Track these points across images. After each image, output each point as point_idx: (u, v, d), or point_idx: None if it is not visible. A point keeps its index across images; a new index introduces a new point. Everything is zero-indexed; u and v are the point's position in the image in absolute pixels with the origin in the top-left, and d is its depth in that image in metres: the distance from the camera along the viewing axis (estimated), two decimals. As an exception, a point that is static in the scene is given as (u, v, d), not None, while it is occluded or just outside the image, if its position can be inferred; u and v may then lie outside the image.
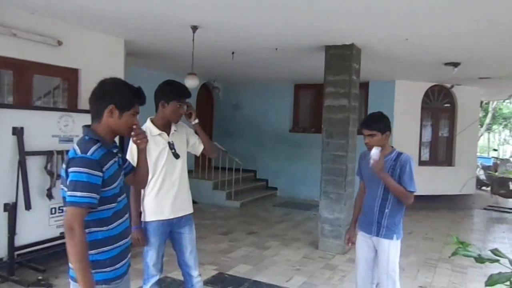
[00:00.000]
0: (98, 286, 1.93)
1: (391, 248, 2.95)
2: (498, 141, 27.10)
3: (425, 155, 9.69)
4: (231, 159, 8.84)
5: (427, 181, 9.21)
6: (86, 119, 4.52)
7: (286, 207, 8.85)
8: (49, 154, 4.32)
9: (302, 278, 4.61)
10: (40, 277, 4.14)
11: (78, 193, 1.81)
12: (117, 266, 2.02)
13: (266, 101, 10.43)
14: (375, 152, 2.85)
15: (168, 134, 3.01)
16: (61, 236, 4.46)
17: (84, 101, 5.09)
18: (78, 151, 1.88)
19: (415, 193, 2.93)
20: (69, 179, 1.85)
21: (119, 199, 2.07)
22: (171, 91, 2.97)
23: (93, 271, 1.90)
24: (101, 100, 1.99)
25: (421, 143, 9.45)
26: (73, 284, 1.97)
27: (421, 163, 9.41)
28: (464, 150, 9.64)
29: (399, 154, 2.96)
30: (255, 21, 4.72)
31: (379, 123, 2.94)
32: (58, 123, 4.46)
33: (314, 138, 9.54)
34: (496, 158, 14.00)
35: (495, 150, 19.24)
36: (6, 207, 3.99)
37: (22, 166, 4.05)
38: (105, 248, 1.98)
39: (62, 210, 4.48)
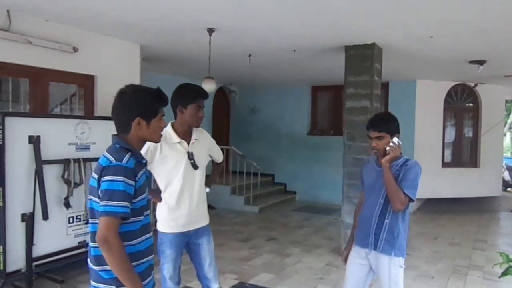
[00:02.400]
0: None
1: (392, 268, 2.61)
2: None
3: (449, 156, 9.39)
4: (249, 163, 8.71)
5: (450, 183, 8.96)
6: (103, 126, 4.51)
7: (306, 211, 8.67)
8: (66, 162, 4.25)
9: (326, 288, 4.44)
10: (58, 288, 4.07)
11: (115, 202, 1.74)
12: (143, 283, 1.91)
13: (283, 104, 10.27)
14: (397, 139, 2.59)
15: (188, 143, 2.88)
16: (79, 246, 4.40)
17: (100, 108, 5.03)
18: (112, 159, 1.82)
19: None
20: (103, 188, 1.77)
21: (146, 212, 1.99)
22: (187, 94, 2.84)
23: None
24: (125, 113, 1.91)
25: (444, 144, 9.16)
26: None
27: (444, 164, 9.12)
28: (489, 150, 9.30)
29: (407, 160, 2.67)
30: (272, 22, 4.58)
31: (388, 124, 2.64)
32: (74, 131, 4.39)
33: (333, 140, 9.37)
34: (522, 158, 13.53)
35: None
36: (24, 217, 3.93)
37: (39, 175, 3.98)
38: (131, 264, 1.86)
39: (79, 219, 4.42)
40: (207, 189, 3.09)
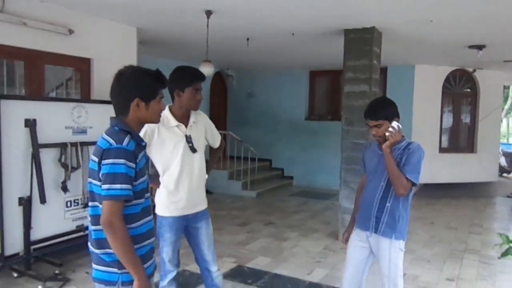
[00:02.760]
0: (124, 287, 1.83)
1: (392, 251, 2.62)
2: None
3: (446, 142, 9.41)
4: (246, 148, 8.70)
5: (447, 168, 9.00)
6: (100, 110, 4.48)
7: (303, 196, 8.70)
8: (62, 146, 4.21)
9: (324, 271, 4.47)
10: (57, 271, 4.07)
11: (118, 185, 1.74)
12: (145, 266, 1.90)
13: (281, 89, 10.22)
14: (396, 123, 2.54)
15: (186, 126, 2.85)
16: (77, 230, 4.40)
17: (97, 91, 4.98)
18: (112, 141, 1.79)
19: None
20: (104, 172, 1.76)
21: (146, 195, 1.99)
22: (184, 77, 2.80)
23: (120, 271, 1.82)
24: (123, 95, 1.89)
25: (441, 130, 9.17)
26: (98, 286, 1.89)
27: (442, 150, 9.15)
28: (486, 136, 9.33)
29: (409, 143, 2.63)
30: (271, 4, 4.51)
31: (385, 110, 2.59)
32: (71, 115, 4.34)
33: (330, 125, 9.37)
34: (518, 144, 13.57)
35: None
36: (21, 201, 3.90)
37: (36, 159, 3.95)
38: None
39: (77, 203, 4.41)
40: (206, 176, 3.07)
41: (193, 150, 2.85)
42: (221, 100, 10.67)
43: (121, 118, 1.90)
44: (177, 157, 2.80)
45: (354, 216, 2.94)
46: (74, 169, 4.29)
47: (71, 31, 4.64)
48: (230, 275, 4.23)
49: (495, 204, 8.73)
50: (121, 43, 5.38)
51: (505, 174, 12.09)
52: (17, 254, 3.94)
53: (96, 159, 1.81)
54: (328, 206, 7.75)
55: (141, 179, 1.90)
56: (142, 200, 1.93)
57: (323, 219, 6.77)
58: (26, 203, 3.92)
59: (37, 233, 4.05)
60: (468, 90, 9.40)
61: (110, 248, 1.79)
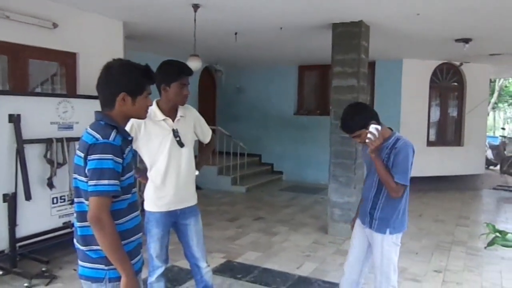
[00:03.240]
0: (111, 283, 1.81)
1: (385, 244, 2.65)
2: (503, 120, 26.80)
3: (434, 135, 9.48)
4: (236, 143, 8.67)
5: (435, 161, 9.07)
6: (86, 105, 4.41)
7: (293, 191, 8.71)
8: (48, 142, 4.15)
9: (313, 265, 4.48)
10: (43, 269, 4.02)
11: (105, 181, 1.70)
12: (132, 262, 1.88)
13: (269, 83, 10.20)
14: (373, 127, 2.47)
15: (174, 120, 2.82)
16: (64, 227, 4.35)
17: (83, 86, 4.91)
18: (98, 136, 1.76)
19: (406, 185, 2.57)
20: (91, 167, 1.72)
21: (133, 190, 1.96)
22: (170, 71, 2.75)
23: (107, 267, 1.79)
24: (110, 88, 1.85)
25: (429, 123, 9.24)
26: (85, 283, 1.85)
27: (429, 143, 9.22)
28: (473, 129, 9.42)
29: (397, 140, 2.58)
30: (259, -2, 4.49)
31: (357, 121, 2.53)
32: (56, 110, 4.27)
33: (319, 120, 9.38)
34: (504, 137, 13.76)
35: (503, 128, 18.96)
36: (6, 197, 3.84)
37: (20, 155, 3.89)
38: None
39: (64, 199, 4.35)
40: (197, 172, 3.04)
41: (181, 144, 2.82)
42: (210, 95, 10.61)
43: (107, 112, 1.87)
44: (164, 152, 2.77)
45: (358, 208, 3.00)
46: (60, 165, 4.23)
47: (55, 25, 4.55)
48: (219, 270, 4.22)
49: (482, 196, 8.85)
50: (107, 37, 5.31)
51: (491, 167, 12.24)
52: (2, 251, 3.88)
53: (82, 154, 1.78)
54: (318, 200, 7.77)
55: (128, 174, 1.87)
56: (129, 196, 1.90)
57: (313, 213, 6.79)
58: (11, 200, 3.86)
59: (22, 230, 3.99)
60: (455, 83, 9.47)
61: (96, 245, 1.76)
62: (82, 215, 1.80)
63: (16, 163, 3.89)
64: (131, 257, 1.86)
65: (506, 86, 21.20)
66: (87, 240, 1.80)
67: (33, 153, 4.05)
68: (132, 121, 2.66)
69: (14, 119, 3.86)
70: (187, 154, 2.87)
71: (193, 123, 2.95)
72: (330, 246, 5.10)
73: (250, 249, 4.93)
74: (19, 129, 3.89)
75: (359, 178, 5.58)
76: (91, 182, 1.71)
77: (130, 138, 1.95)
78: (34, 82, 4.83)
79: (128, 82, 1.84)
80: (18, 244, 3.96)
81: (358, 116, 2.56)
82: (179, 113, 2.84)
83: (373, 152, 2.52)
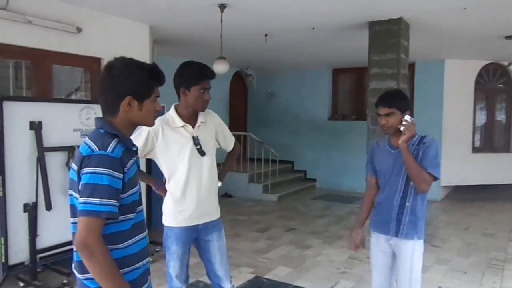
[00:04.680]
0: None
1: (415, 252, 2.49)
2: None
3: (479, 141, 8.84)
4: (267, 150, 8.38)
5: (481, 169, 8.45)
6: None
7: (327, 200, 8.31)
8: (70, 149, 4.00)
9: (349, 283, 4.11)
10: (65, 281, 3.88)
11: (97, 200, 1.44)
12: None
13: (302, 88, 9.86)
14: (409, 117, 2.40)
15: (194, 126, 2.56)
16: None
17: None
18: (94, 147, 1.51)
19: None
20: (83, 182, 1.47)
21: (139, 208, 1.69)
22: (190, 74, 2.51)
23: None
24: (113, 91, 1.59)
25: (474, 128, 8.61)
26: None
27: (475, 149, 8.59)
28: (524, 134, 8.72)
29: (422, 137, 2.48)
30: (289, -5, 4.20)
31: (398, 100, 2.46)
32: (79, 116, 4.14)
33: (355, 125, 8.96)
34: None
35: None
36: (26, 207, 3.71)
37: (41, 163, 3.75)
38: (121, 271, 1.57)
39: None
40: (219, 183, 2.78)
41: (202, 153, 2.56)
42: (241, 101, 10.40)
43: (109, 118, 1.62)
44: (184, 161, 2.52)
45: (362, 218, 2.80)
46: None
47: (79, 29, 4.44)
48: None
49: (535, 208, 8.12)
50: (133, 42, 5.15)
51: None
52: (22, 263, 3.75)
53: (76, 168, 1.54)
54: (353, 210, 7.35)
55: (132, 191, 1.61)
56: (133, 215, 1.64)
57: (348, 224, 6.38)
58: (31, 210, 3.73)
59: (43, 241, 3.86)
60: (503, 85, 8.80)
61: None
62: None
63: (37, 171, 3.76)
64: (136, 286, 1.60)
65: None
66: (84, 267, 1.54)
67: (55, 161, 3.91)
68: (149, 128, 2.45)
69: (35, 127, 3.74)
70: (208, 163, 2.61)
71: (214, 130, 2.69)
72: (368, 262, 4.64)
73: (280, 264, 4.61)
74: (40, 137, 3.76)
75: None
76: (81, 200, 1.46)
77: (134, 148, 1.69)
78: (59, 86, 4.73)
79: (134, 84, 1.59)
80: (38, 256, 3.82)
81: (403, 98, 2.53)
82: (200, 119, 2.59)
83: (405, 141, 2.37)
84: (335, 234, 5.82)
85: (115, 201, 1.49)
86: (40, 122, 3.77)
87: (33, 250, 3.76)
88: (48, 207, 3.78)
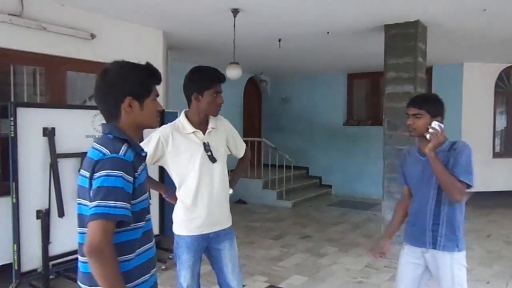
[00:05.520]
0: None
1: (455, 263, 2.32)
2: None
3: (500, 146, 8.60)
4: (281, 155, 8.29)
5: (502, 174, 8.22)
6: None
7: (342, 206, 8.16)
8: (83, 156, 3.96)
9: (366, 293, 3.99)
10: (77, 289, 3.83)
11: (111, 202, 1.38)
12: None
13: (316, 93, 9.76)
14: (437, 123, 2.28)
15: (204, 132, 2.51)
16: (99, 244, 4.14)
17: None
18: (106, 151, 1.47)
19: (472, 189, 2.26)
20: (95, 186, 1.41)
21: (147, 217, 1.64)
22: (203, 78, 2.46)
23: None
24: (112, 95, 1.55)
25: (495, 133, 8.38)
26: None
27: (495, 154, 8.36)
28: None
29: (453, 143, 2.36)
30: (301, 0, 4.13)
31: (429, 103, 2.37)
32: (92, 123, 4.12)
33: (371, 131, 8.82)
34: None
35: None
36: (39, 214, 3.70)
37: (54, 170, 3.74)
38: (129, 285, 1.51)
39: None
40: (231, 190, 2.71)
41: (213, 159, 2.50)
42: (255, 106, 10.35)
43: (114, 124, 1.58)
44: (195, 168, 2.46)
45: (392, 229, 2.67)
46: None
47: (93, 36, 4.45)
48: (261, 296, 3.84)
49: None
50: (147, 48, 5.15)
51: None
52: (35, 270, 3.73)
53: (87, 174, 1.48)
54: (370, 217, 7.19)
55: (142, 197, 1.56)
56: (143, 223, 1.59)
57: (365, 232, 6.24)
58: (44, 216, 3.71)
59: (56, 248, 3.83)
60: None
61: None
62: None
63: (49, 178, 3.75)
64: None
65: None
66: (93, 279, 1.49)
67: (67, 168, 3.89)
68: (159, 134, 2.41)
69: (48, 133, 3.74)
70: (220, 170, 2.55)
71: (225, 136, 2.63)
72: (385, 272, 4.56)
73: (295, 272, 4.50)
74: (53, 143, 3.76)
75: (418, 195, 5.03)
76: (93, 204, 1.39)
77: (144, 154, 1.64)
78: (73, 92, 4.74)
79: (132, 84, 1.55)
80: (51, 263, 3.80)
81: (435, 102, 2.40)
82: (210, 125, 2.53)
83: (432, 150, 2.25)
84: (351, 242, 5.69)
85: (129, 205, 1.44)
86: (53, 129, 3.77)
87: (46, 257, 3.73)
88: (61, 213, 3.76)
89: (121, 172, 1.43)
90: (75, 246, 3.94)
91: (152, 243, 1.68)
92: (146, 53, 5.09)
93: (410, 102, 2.43)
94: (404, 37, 4.90)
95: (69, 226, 3.88)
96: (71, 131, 3.93)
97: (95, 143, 1.56)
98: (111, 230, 1.39)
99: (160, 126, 2.36)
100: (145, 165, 1.67)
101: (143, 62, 1.62)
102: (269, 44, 6.12)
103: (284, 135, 9.97)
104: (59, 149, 3.80)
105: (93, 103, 5.08)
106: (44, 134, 3.73)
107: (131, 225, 1.51)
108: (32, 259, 3.70)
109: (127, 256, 1.52)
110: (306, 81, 9.83)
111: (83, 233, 1.52)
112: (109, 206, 1.38)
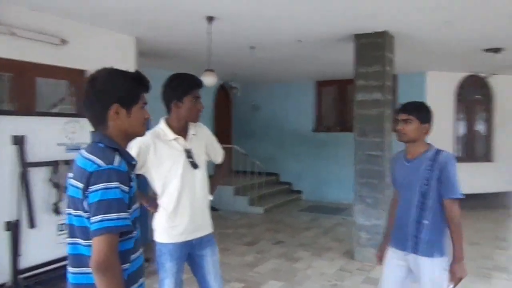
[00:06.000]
0: None
1: (436, 270, 2.37)
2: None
3: (461, 151, 9.00)
4: (253, 162, 8.34)
5: (463, 178, 8.35)
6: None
7: (313, 211, 8.28)
8: (54, 164, 3.88)
9: (341, 296, 4.08)
10: (48, 302, 3.72)
11: (114, 215, 1.39)
12: None
13: (286, 100, 9.90)
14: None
15: (185, 138, 2.52)
16: (71, 255, 4.02)
17: (93, 105, 4.65)
18: (100, 162, 1.45)
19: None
20: (95, 200, 1.40)
21: (137, 225, 1.64)
22: (182, 85, 2.47)
23: None
24: (99, 102, 1.54)
25: (456, 139, 8.77)
26: None
27: (457, 159, 8.69)
28: (503, 144, 8.91)
29: (438, 151, 2.44)
30: (276, 8, 4.21)
31: (418, 111, 2.47)
32: (64, 130, 4.03)
33: (339, 137, 9.02)
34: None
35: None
36: (8, 225, 3.57)
37: (24, 179, 3.62)
38: None
39: (71, 226, 4.05)
40: (210, 197, 2.74)
41: (194, 165, 2.52)
42: (226, 113, 10.36)
43: (102, 131, 1.57)
44: (177, 175, 2.47)
45: (388, 232, 2.72)
46: (66, 189, 3.94)
47: (64, 41, 4.35)
48: (238, 303, 3.85)
49: (515, 216, 8.28)
50: (119, 54, 5.08)
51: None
52: (3, 284, 3.58)
53: (81, 185, 1.46)
54: (340, 222, 7.34)
55: (134, 206, 1.58)
56: (135, 233, 1.59)
57: (336, 236, 6.37)
58: (13, 228, 3.58)
59: (26, 261, 3.70)
60: (481, 97, 9.01)
61: None
62: (77, 259, 1.49)
63: (19, 188, 3.62)
64: None
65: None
66: None
67: (38, 177, 3.78)
68: (139, 142, 2.38)
69: (18, 141, 3.62)
70: (201, 176, 2.57)
71: (205, 142, 2.66)
72: (358, 274, 4.68)
73: (271, 278, 4.54)
74: (23, 152, 3.64)
75: (388, 199, 5.18)
76: (96, 218, 1.39)
77: (134, 162, 1.64)
78: (42, 99, 4.61)
79: (120, 91, 1.55)
80: (21, 276, 3.66)
81: (426, 110, 2.50)
82: (191, 131, 2.55)
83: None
84: (323, 246, 5.79)
85: (128, 215, 1.45)
86: (23, 136, 3.65)
87: (15, 270, 3.60)
88: (32, 224, 3.64)
89: (118, 183, 1.43)
90: (46, 258, 3.85)
91: (141, 251, 1.68)
92: (118, 59, 5.02)
93: (400, 109, 2.51)
94: (373, 46, 5.08)
95: (41, 238, 3.79)
96: (42, 139, 3.82)
97: (84, 152, 1.54)
98: (117, 242, 1.41)
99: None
100: (134, 174, 1.67)
101: (131, 70, 1.63)
102: (241, 52, 6.18)
103: (254, 141, 10.04)
104: (30, 158, 3.68)
105: (62, 108, 4.98)
106: (14, 142, 3.61)
107: (129, 235, 1.52)
108: (0, 273, 3.55)
109: (125, 265, 1.52)
110: (276, 88, 9.96)
111: (74, 244, 1.51)
112: (113, 219, 1.39)
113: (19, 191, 3.62)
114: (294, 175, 9.85)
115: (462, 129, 9.02)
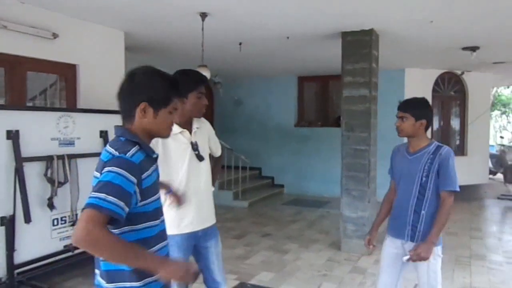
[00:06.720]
0: None
1: (431, 257, 2.51)
2: (497, 129, 26.91)
3: (437, 146, 9.34)
4: (237, 157, 8.42)
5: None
6: (88, 119, 4.16)
7: (296, 205, 8.45)
8: (48, 159, 3.87)
9: (332, 285, 4.23)
10: (43, 297, 3.72)
11: (102, 195, 1.39)
12: None
13: (269, 95, 10.00)
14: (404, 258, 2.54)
15: (190, 132, 2.59)
16: (65, 250, 4.03)
17: (84, 100, 4.64)
18: (115, 152, 1.51)
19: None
20: (98, 180, 1.46)
21: (162, 217, 1.71)
22: (187, 81, 2.53)
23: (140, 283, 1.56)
24: (130, 96, 1.61)
25: (432, 133, 9.09)
26: None
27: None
28: (476, 138, 9.32)
29: (439, 146, 2.56)
30: (266, 5, 4.29)
31: (413, 107, 2.58)
32: (57, 125, 4.00)
33: (321, 132, 9.21)
34: (503, 145, 13.67)
35: (501, 137, 18.93)
36: (3, 220, 3.54)
37: (19, 174, 3.60)
38: (147, 280, 1.57)
39: (65, 221, 4.06)
40: (213, 188, 2.82)
41: (200, 158, 2.60)
42: (208, 108, 10.31)
43: (128, 126, 1.63)
44: (183, 167, 2.54)
45: (379, 221, 2.88)
46: (61, 184, 3.94)
47: (55, 35, 4.31)
48: (234, 294, 3.95)
49: (488, 206, 8.69)
50: (109, 49, 5.06)
51: (490, 176, 12.12)
52: (-1, 279, 3.57)
53: (98, 175, 1.52)
54: (323, 214, 7.53)
55: (154, 197, 1.63)
56: (158, 222, 1.66)
57: (321, 228, 6.54)
58: (8, 223, 3.56)
59: (21, 255, 3.68)
60: (456, 93, 9.38)
61: (126, 281, 1.52)
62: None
63: (14, 183, 3.60)
64: None
65: (499, 95, 21.32)
66: (113, 276, 1.54)
67: (33, 172, 3.76)
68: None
69: (13, 136, 3.59)
70: (205, 168, 2.66)
71: (207, 135, 2.77)
72: (346, 264, 4.85)
73: (263, 269, 4.66)
74: (18, 147, 3.61)
75: (373, 192, 5.39)
76: (91, 194, 1.42)
77: (155, 156, 1.70)
78: (32, 94, 4.56)
79: (151, 91, 1.61)
80: (16, 271, 3.65)
81: (421, 107, 2.59)
82: (195, 125, 2.64)
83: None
84: (310, 238, 5.95)
85: (123, 203, 1.42)
86: (17, 131, 3.62)
87: (11, 265, 3.58)
88: (27, 219, 3.63)
89: (122, 170, 1.46)
90: (42, 253, 3.85)
91: (166, 242, 1.75)
92: (108, 54, 5.03)
93: (398, 106, 2.63)
94: (360, 44, 5.23)
95: (35, 233, 3.79)
96: (35, 134, 3.80)
97: (107, 146, 1.60)
98: (98, 220, 1.36)
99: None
100: (156, 166, 1.74)
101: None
102: (229, 48, 6.23)
103: (237, 136, 10.10)
104: (24, 153, 3.65)
105: (42, 103, 4.92)
106: (8, 137, 3.58)
107: (146, 223, 1.58)
108: (-4, 268, 3.53)
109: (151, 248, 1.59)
110: (258, 83, 10.05)
111: None
112: (99, 198, 1.39)
113: (14, 186, 3.59)
114: (276, 170, 9.99)
115: (438, 124, 9.36)
